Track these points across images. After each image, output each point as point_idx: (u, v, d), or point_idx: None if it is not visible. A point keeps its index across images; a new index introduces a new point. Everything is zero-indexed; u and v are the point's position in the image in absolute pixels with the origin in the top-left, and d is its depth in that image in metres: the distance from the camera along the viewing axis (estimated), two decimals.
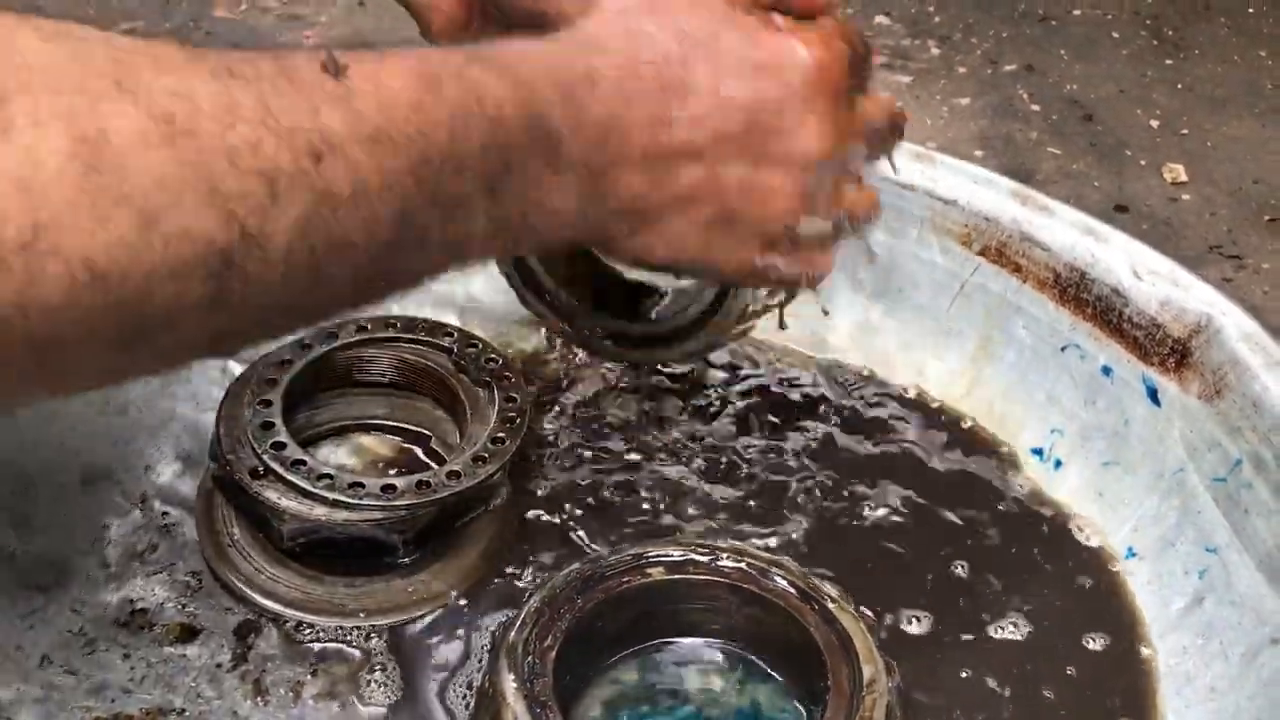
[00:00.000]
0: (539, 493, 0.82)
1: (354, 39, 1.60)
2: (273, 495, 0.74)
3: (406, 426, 0.84)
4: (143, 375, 0.48)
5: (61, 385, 0.45)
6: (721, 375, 0.91)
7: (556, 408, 0.88)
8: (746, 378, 0.92)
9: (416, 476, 0.75)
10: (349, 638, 0.73)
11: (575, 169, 0.56)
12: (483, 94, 0.51)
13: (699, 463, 0.84)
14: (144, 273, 0.40)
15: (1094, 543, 0.81)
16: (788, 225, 0.63)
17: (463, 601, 0.75)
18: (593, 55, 0.57)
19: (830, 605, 0.68)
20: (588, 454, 0.84)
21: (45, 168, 0.38)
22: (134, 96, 0.40)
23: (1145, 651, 0.75)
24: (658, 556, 0.71)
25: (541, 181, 0.54)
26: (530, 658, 0.65)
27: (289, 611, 0.74)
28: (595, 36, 0.59)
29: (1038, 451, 0.87)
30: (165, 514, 0.79)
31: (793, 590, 0.69)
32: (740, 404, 0.89)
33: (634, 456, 0.85)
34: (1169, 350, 0.81)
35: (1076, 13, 1.81)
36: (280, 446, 0.74)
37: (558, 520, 0.80)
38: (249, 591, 0.75)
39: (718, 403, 0.89)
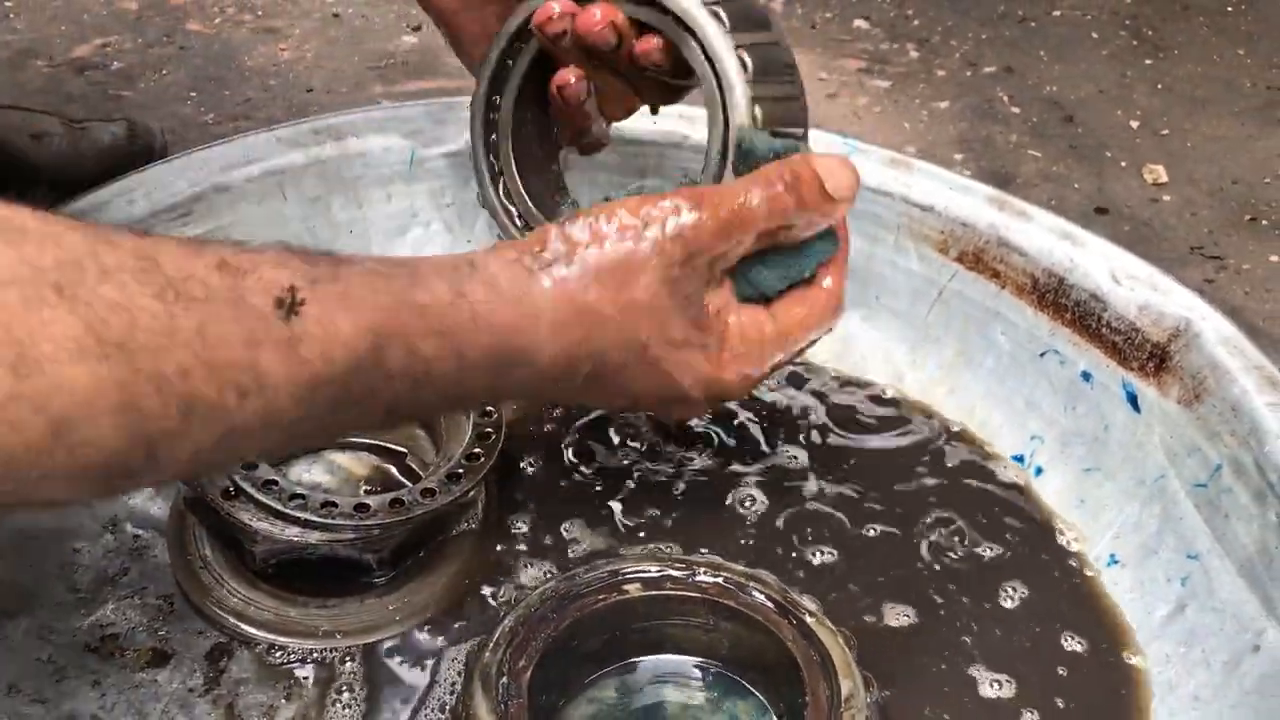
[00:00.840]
0: (515, 510, 0.81)
1: (324, 69, 1.59)
2: (245, 516, 0.73)
3: (381, 444, 0.83)
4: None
5: None
6: None
7: (532, 424, 0.87)
8: None
9: (390, 495, 0.74)
10: (323, 660, 0.72)
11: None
12: (426, 369, 0.55)
13: (678, 477, 0.83)
14: (41, 473, 0.41)
15: (1076, 550, 0.81)
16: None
17: (438, 621, 0.74)
18: (550, 339, 0.62)
19: (808, 620, 0.68)
20: (564, 470, 0.83)
21: None
22: (71, 305, 0.40)
23: (1129, 660, 0.74)
24: (634, 572, 0.70)
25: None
26: (505, 679, 0.64)
27: (262, 634, 0.73)
28: (565, 319, 0.63)
29: (1019, 458, 0.87)
30: (136, 536, 0.78)
31: (770, 605, 0.68)
32: (721, 415, 0.88)
33: (612, 472, 0.84)
34: (1148, 355, 0.81)
35: (1056, 13, 1.81)
36: (252, 466, 0.73)
37: (534, 537, 0.79)
38: (221, 614, 0.74)
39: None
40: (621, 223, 0.64)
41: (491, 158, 0.82)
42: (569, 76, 0.75)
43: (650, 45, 0.72)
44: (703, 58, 0.71)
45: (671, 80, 0.76)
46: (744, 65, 0.71)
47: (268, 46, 1.59)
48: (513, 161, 0.82)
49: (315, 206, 0.93)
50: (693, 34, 0.71)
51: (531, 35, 0.76)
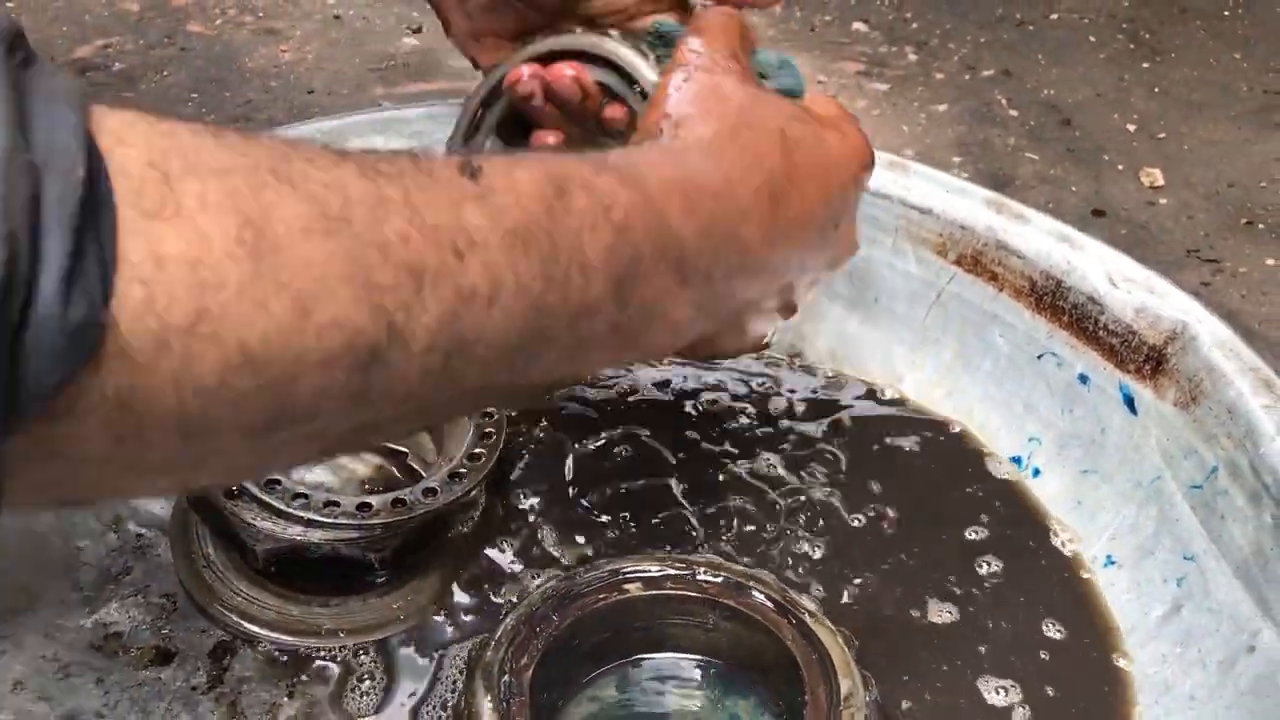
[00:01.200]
0: (517, 508, 0.81)
1: (328, 54, 1.60)
2: (248, 515, 0.73)
3: (383, 444, 0.84)
4: (277, 466, 0.48)
5: (198, 473, 0.45)
6: (700, 386, 0.91)
7: (532, 425, 0.87)
8: (722, 388, 0.92)
9: (392, 494, 0.74)
10: (325, 658, 0.72)
11: (697, 279, 0.58)
12: (611, 202, 0.52)
13: (679, 475, 0.84)
14: (294, 359, 0.40)
15: (1073, 550, 0.81)
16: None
17: (439, 619, 0.74)
18: (713, 167, 0.61)
19: (808, 619, 0.68)
20: (566, 469, 0.84)
21: (213, 250, 0.38)
22: (292, 186, 0.41)
23: (1124, 660, 0.75)
24: (635, 572, 0.70)
25: (666, 292, 0.56)
26: (506, 677, 0.65)
27: (265, 632, 0.73)
28: (713, 148, 0.62)
29: (1016, 459, 0.88)
30: (139, 535, 0.78)
31: (770, 604, 0.69)
32: (720, 415, 0.89)
33: (614, 471, 0.84)
34: (1145, 358, 0.82)
35: (1053, 17, 1.82)
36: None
37: (535, 536, 0.80)
38: (224, 613, 0.74)
39: (696, 415, 0.89)
40: (677, 73, 0.66)
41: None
42: (547, 138, 0.77)
43: (618, 114, 0.75)
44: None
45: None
46: None
47: (269, 48, 1.60)
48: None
49: None
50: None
51: (502, 95, 0.78)
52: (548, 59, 0.76)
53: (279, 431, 0.42)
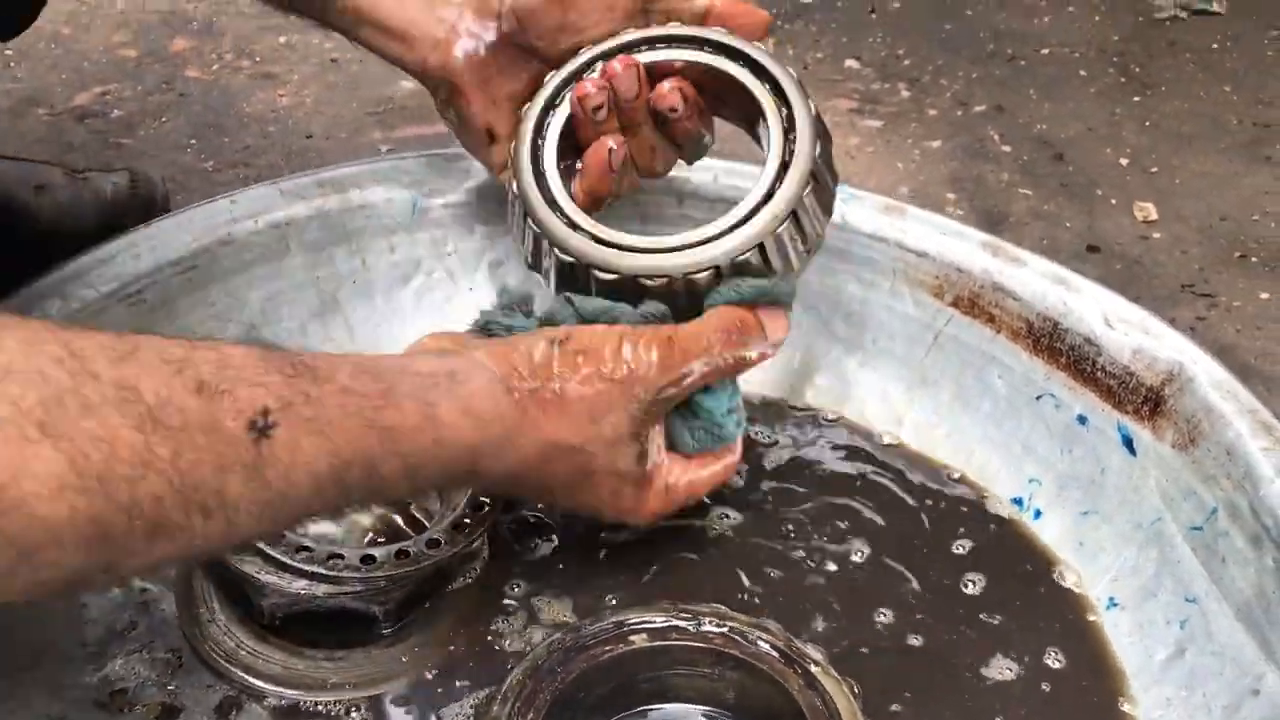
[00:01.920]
0: (522, 558, 0.81)
1: (322, 102, 1.61)
2: (252, 569, 0.73)
3: None
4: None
5: None
6: None
7: None
8: None
9: (395, 546, 0.75)
10: (332, 712, 0.72)
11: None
12: (384, 485, 0.60)
13: (680, 526, 0.84)
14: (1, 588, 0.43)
15: (1076, 592, 0.82)
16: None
17: (445, 672, 0.74)
18: (495, 461, 0.68)
19: (814, 669, 0.68)
20: (568, 520, 0.84)
21: None
22: (55, 441, 0.42)
23: (1129, 704, 0.75)
24: (639, 623, 0.71)
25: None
26: None
27: (271, 687, 0.73)
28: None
29: (1017, 501, 0.88)
30: (144, 590, 0.78)
31: (776, 654, 0.69)
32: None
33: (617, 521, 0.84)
34: (1143, 399, 0.82)
35: (1044, 52, 1.83)
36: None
37: (541, 587, 0.80)
38: (230, 668, 0.74)
39: None
40: (601, 363, 0.69)
41: (542, 189, 0.80)
42: (612, 143, 0.79)
43: (665, 90, 0.78)
44: (773, 102, 0.78)
45: (693, 134, 0.81)
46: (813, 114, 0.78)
47: (266, 93, 1.61)
48: (557, 171, 0.81)
49: (319, 257, 0.95)
50: (774, 82, 0.78)
51: (558, 105, 0.81)
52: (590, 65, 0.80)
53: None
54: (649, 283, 0.76)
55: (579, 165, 0.81)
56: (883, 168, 1.53)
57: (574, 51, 0.81)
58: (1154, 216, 1.47)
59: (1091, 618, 0.80)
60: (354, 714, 0.72)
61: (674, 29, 0.80)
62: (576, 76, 0.81)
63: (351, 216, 0.96)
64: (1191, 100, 1.71)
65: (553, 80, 0.81)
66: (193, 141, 1.51)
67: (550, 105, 0.81)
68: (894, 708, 0.72)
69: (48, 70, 1.62)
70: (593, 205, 0.81)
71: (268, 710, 0.72)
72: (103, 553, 0.44)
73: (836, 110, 1.67)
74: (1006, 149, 1.61)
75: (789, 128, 0.78)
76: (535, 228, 0.79)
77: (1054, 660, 0.77)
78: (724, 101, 0.81)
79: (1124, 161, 1.58)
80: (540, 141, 0.81)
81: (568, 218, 0.79)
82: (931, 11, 1.92)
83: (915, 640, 0.77)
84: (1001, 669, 0.76)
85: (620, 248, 0.77)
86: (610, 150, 0.78)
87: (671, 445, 0.76)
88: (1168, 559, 0.78)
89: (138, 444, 0.44)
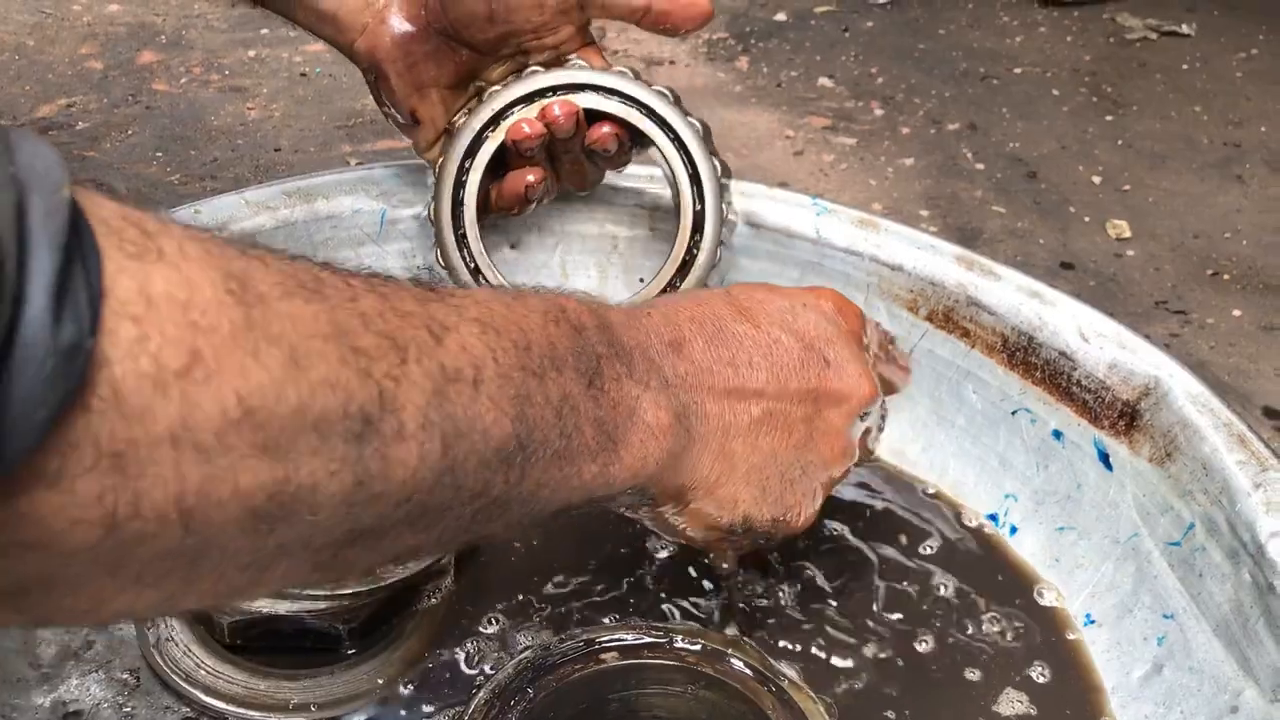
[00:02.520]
0: (489, 576, 0.80)
1: (295, 113, 1.59)
2: None
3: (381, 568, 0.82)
4: (269, 585, 0.43)
5: (189, 585, 0.40)
6: None
7: None
8: None
9: None
10: None
11: (656, 381, 0.60)
12: (564, 306, 0.56)
13: (653, 541, 0.83)
14: (290, 415, 0.38)
15: (1053, 609, 0.81)
16: (834, 474, 0.70)
17: (411, 692, 0.72)
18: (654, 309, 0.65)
19: (788, 687, 0.67)
20: (535, 537, 0.82)
21: (203, 295, 0.36)
22: (262, 261, 0.41)
23: None
24: (611, 641, 0.69)
25: (628, 391, 0.57)
26: None
27: (232, 708, 0.71)
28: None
29: (993, 517, 0.87)
30: None
31: (750, 673, 0.68)
32: None
33: (587, 537, 0.83)
34: (1118, 413, 0.81)
35: (1016, 71, 1.84)
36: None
37: (508, 605, 0.78)
38: (189, 689, 0.72)
39: None
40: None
41: (456, 221, 0.88)
42: (531, 177, 0.85)
43: (603, 134, 0.83)
44: (679, 159, 0.85)
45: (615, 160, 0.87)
46: (716, 168, 0.85)
47: (235, 106, 1.59)
48: (476, 225, 0.88)
49: None
50: (674, 137, 0.85)
51: (500, 121, 0.85)
52: (528, 99, 0.84)
53: (278, 524, 0.39)
54: None
55: (497, 185, 0.88)
56: (856, 185, 1.53)
57: (501, 41, 0.83)
58: (1127, 234, 1.48)
59: (1070, 635, 0.79)
60: None
61: (584, 75, 0.84)
62: (506, 112, 0.85)
63: (318, 227, 0.94)
64: (1163, 120, 1.72)
65: (491, 104, 0.85)
66: (159, 154, 1.49)
67: (480, 137, 0.85)
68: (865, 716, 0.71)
69: (11, 81, 1.60)
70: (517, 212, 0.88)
71: None
72: (360, 365, 0.41)
73: (810, 128, 1.66)
74: (980, 166, 1.61)
75: (695, 180, 0.85)
76: (441, 264, 0.88)
77: (1037, 676, 0.76)
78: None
79: (1096, 180, 1.59)
80: (467, 165, 0.86)
81: (474, 263, 0.87)
82: (905, 31, 1.92)
83: (889, 656, 0.76)
84: (979, 687, 0.75)
85: None
86: (528, 184, 0.84)
87: None
88: (1145, 575, 0.77)
89: (332, 275, 0.44)
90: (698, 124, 0.85)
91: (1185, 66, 1.85)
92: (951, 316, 0.90)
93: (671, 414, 0.59)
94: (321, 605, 0.72)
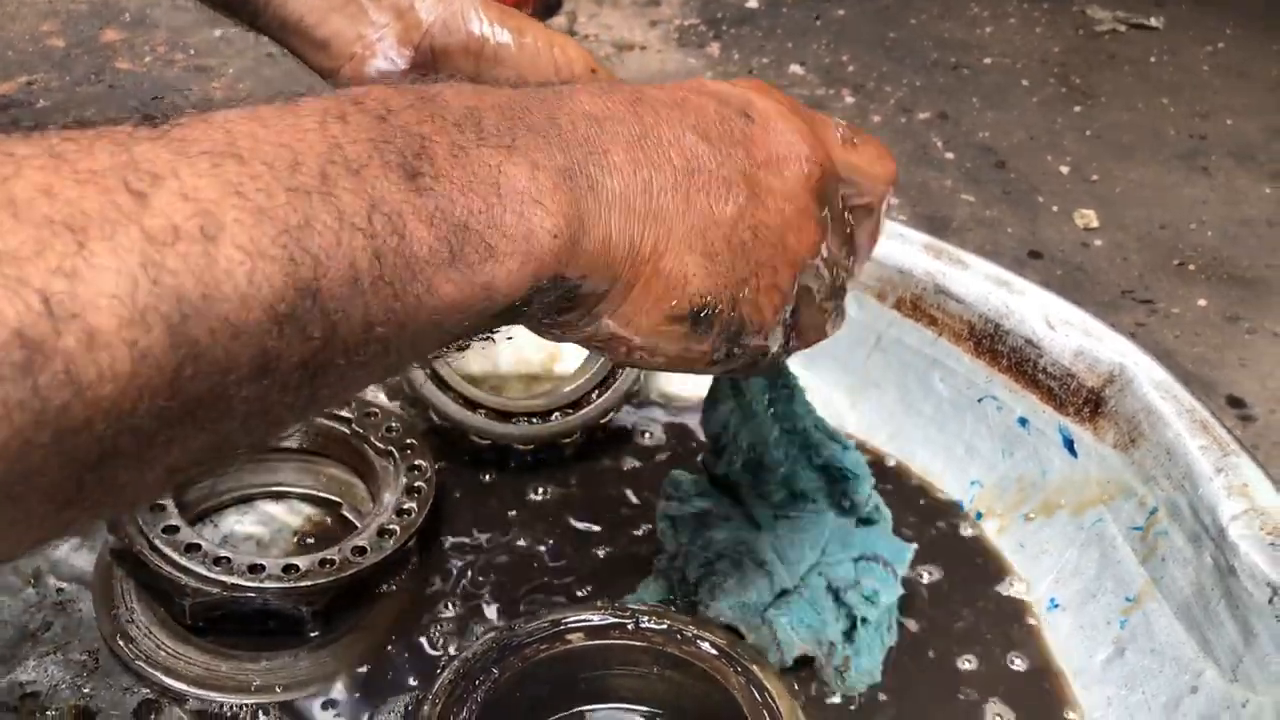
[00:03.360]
0: (452, 559, 0.79)
1: (262, 90, 1.58)
2: (172, 568, 0.71)
3: (316, 494, 0.82)
4: (195, 468, 0.39)
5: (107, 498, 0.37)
6: (633, 426, 0.90)
7: (464, 470, 0.85)
8: (648, 434, 0.91)
9: (319, 555, 0.72)
10: (255, 716, 0.70)
11: (521, 132, 0.47)
12: (358, 98, 0.44)
13: (611, 519, 0.83)
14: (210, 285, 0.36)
15: (1018, 594, 0.81)
16: (794, 246, 0.55)
17: (374, 674, 0.72)
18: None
19: (754, 667, 0.67)
20: (497, 521, 0.82)
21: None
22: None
23: (1069, 705, 0.74)
24: (576, 622, 0.69)
25: (483, 154, 0.45)
26: None
27: (192, 690, 0.71)
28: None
29: (959, 504, 0.87)
30: (60, 590, 0.75)
31: (715, 653, 0.68)
32: (650, 450, 0.88)
33: (549, 516, 0.83)
34: (1083, 400, 0.82)
35: (986, 61, 1.85)
36: (173, 530, 0.71)
37: (472, 587, 0.78)
38: (149, 670, 0.71)
39: (640, 465, 0.88)
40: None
41: None
42: None
43: None
44: None
45: None
46: None
47: (200, 85, 1.58)
48: None
49: None
50: None
51: None
52: None
53: (188, 421, 0.37)
54: (521, 448, 0.85)
55: None
56: None
57: None
58: (1095, 224, 1.49)
59: (1033, 620, 0.79)
60: (282, 717, 0.69)
61: None
62: None
63: None
64: (1131, 111, 1.73)
65: None
66: None
67: None
68: (834, 702, 0.71)
69: None
70: None
71: (188, 713, 0.69)
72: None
73: None
74: (950, 155, 1.61)
75: None
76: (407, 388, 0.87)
77: (996, 661, 0.76)
78: None
79: (1065, 170, 1.60)
80: None
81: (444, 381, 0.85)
82: (876, 19, 1.93)
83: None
84: (946, 669, 0.75)
85: (489, 411, 0.85)
86: None
87: None
88: (1109, 559, 0.78)
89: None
90: None
91: (1153, 59, 1.86)
92: (919, 305, 0.90)
93: (556, 170, 0.47)
94: (285, 585, 0.71)
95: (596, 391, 0.87)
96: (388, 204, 0.41)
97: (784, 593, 0.73)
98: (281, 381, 0.39)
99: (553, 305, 0.50)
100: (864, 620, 0.73)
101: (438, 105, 0.45)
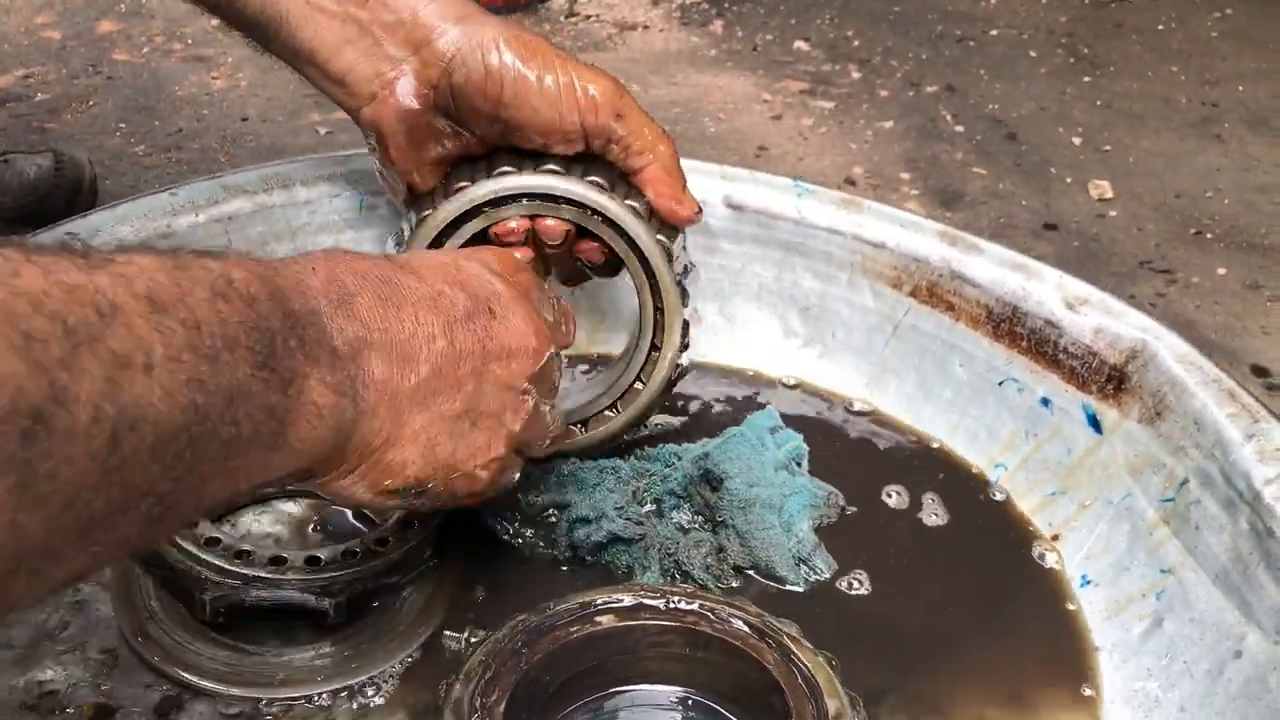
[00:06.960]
0: (476, 546, 0.78)
1: (262, 82, 1.56)
2: (193, 563, 0.70)
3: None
4: None
5: None
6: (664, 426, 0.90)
7: None
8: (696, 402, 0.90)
9: (342, 546, 0.71)
10: (280, 709, 0.69)
11: (323, 352, 0.56)
12: (231, 276, 0.51)
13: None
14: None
15: (1049, 572, 0.80)
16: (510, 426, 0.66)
17: (401, 663, 0.71)
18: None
19: (788, 643, 0.66)
20: (520, 507, 0.81)
21: None
22: None
23: (1098, 678, 0.73)
24: (607, 603, 0.68)
25: (300, 364, 0.53)
26: (477, 715, 0.61)
27: (215, 685, 0.69)
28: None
29: (985, 485, 0.86)
30: (77, 589, 0.74)
31: (749, 630, 0.67)
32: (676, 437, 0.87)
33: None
34: (1106, 377, 0.81)
35: (993, 32, 1.83)
36: (191, 524, 0.70)
37: (497, 573, 0.77)
38: (169, 666, 0.70)
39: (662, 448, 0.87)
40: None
41: None
42: (518, 254, 0.77)
43: (589, 247, 0.80)
44: (644, 280, 0.80)
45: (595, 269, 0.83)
46: (684, 295, 0.81)
47: (199, 75, 1.56)
48: None
49: (261, 253, 0.90)
50: (643, 261, 0.79)
51: (463, 224, 0.80)
52: (506, 199, 0.78)
53: None
54: None
55: None
56: (836, 148, 1.52)
57: (503, 138, 0.79)
58: (1109, 194, 1.47)
59: (1066, 598, 0.78)
60: (303, 710, 0.68)
61: (552, 183, 0.78)
62: (473, 213, 0.79)
63: (296, 213, 0.93)
64: (1141, 80, 1.72)
65: (458, 200, 0.79)
66: (122, 125, 1.46)
67: (457, 224, 0.80)
68: (873, 676, 0.70)
69: None
70: None
71: (211, 709, 0.68)
72: (33, 355, 0.39)
73: (787, 92, 1.65)
74: (959, 129, 1.60)
75: (658, 308, 0.81)
76: None
77: (1030, 638, 0.75)
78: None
79: (1077, 140, 1.58)
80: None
81: None
82: None
83: (895, 620, 0.75)
84: (980, 646, 0.74)
85: None
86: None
87: None
88: (1139, 533, 0.77)
89: None
90: (665, 242, 0.80)
91: (1160, 27, 1.84)
92: (935, 291, 0.89)
93: (337, 393, 0.56)
94: (308, 576, 0.70)
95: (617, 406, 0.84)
96: (245, 384, 0.49)
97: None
98: (152, 511, 0.45)
99: (298, 479, 0.59)
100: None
101: (284, 304, 0.54)
